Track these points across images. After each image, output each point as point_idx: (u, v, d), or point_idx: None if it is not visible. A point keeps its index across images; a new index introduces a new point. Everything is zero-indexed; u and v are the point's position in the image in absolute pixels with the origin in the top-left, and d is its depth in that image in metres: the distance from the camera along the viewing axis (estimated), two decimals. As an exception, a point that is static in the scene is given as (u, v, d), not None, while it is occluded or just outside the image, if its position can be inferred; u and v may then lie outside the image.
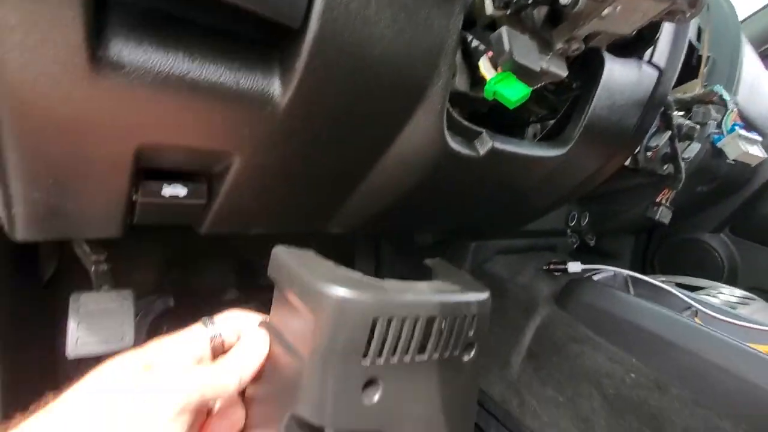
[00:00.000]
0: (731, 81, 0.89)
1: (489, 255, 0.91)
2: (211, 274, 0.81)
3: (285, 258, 0.30)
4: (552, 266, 0.91)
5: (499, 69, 0.37)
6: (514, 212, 0.67)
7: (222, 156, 0.33)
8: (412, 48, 0.31)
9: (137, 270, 0.50)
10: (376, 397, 0.29)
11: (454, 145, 0.40)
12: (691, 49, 0.87)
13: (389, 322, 0.29)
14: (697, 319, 0.81)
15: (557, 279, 0.89)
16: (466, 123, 0.40)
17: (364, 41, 0.29)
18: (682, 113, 0.81)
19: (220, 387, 0.27)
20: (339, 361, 0.28)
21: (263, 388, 0.31)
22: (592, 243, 1.04)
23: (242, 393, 0.31)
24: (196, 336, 0.29)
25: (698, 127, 0.75)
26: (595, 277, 0.91)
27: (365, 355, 0.28)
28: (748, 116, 1.02)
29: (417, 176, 0.41)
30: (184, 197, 0.36)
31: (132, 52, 0.24)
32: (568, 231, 0.97)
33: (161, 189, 0.34)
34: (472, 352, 0.38)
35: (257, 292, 0.90)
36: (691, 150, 0.82)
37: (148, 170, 0.33)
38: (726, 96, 0.67)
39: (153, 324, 0.70)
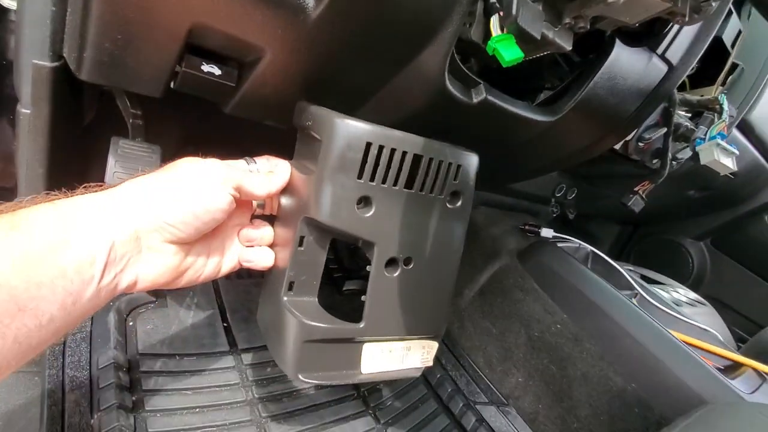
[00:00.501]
0: (751, 96, 0.91)
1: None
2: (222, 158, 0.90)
3: (306, 105, 0.44)
4: (527, 227, 1.00)
5: (504, 30, 0.42)
6: (499, 167, 0.74)
7: (255, 49, 0.39)
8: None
9: (162, 136, 0.58)
10: (370, 213, 0.43)
11: (452, 88, 0.46)
12: (727, 54, 0.88)
13: (380, 149, 0.41)
14: (634, 301, 0.91)
15: (528, 239, 0.98)
16: (466, 71, 0.46)
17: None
18: (689, 115, 0.84)
19: (252, 184, 0.42)
20: (339, 173, 0.41)
21: (286, 204, 0.45)
22: (571, 216, 1.12)
23: (271, 221, 0.48)
24: (239, 164, 0.44)
25: (696, 130, 0.79)
26: (561, 245, 1.00)
27: (360, 176, 0.41)
28: (758, 134, 1.04)
29: (413, 108, 0.48)
30: (218, 76, 0.43)
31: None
32: (552, 200, 1.05)
33: (201, 64, 0.41)
34: (458, 203, 0.51)
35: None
36: (685, 153, 0.87)
37: (195, 47, 0.40)
38: (725, 105, 0.70)
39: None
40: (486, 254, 0.91)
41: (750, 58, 0.89)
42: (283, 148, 0.49)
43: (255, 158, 0.47)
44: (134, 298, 0.68)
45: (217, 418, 0.58)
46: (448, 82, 0.45)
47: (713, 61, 0.83)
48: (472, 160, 0.51)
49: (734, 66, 0.86)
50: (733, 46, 0.85)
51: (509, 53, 0.41)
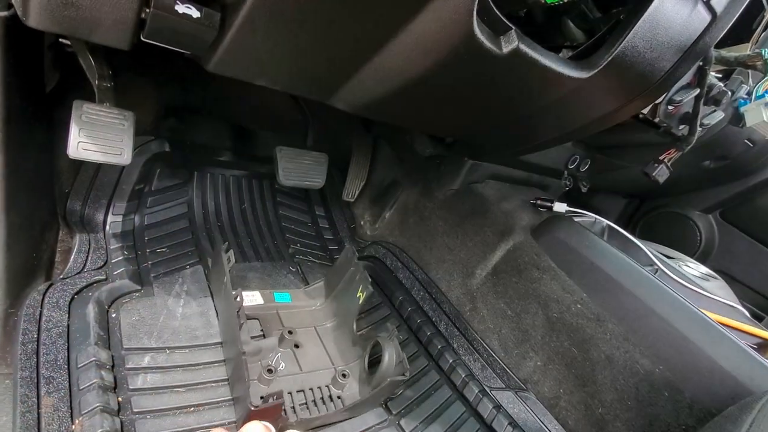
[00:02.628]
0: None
1: (482, 176, 0.92)
2: (207, 131, 0.82)
3: None
4: (539, 201, 0.94)
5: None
6: (517, 133, 0.67)
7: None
8: None
9: (136, 106, 0.50)
10: None
11: (480, 34, 0.38)
12: (760, 7, 0.80)
13: None
14: (657, 276, 0.86)
15: (540, 214, 0.92)
16: (498, 13, 0.38)
17: None
18: (719, 75, 0.77)
19: None
20: None
21: None
22: (585, 189, 1.06)
23: None
24: None
25: (729, 93, 0.72)
26: (576, 219, 0.94)
27: None
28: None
29: (433, 60, 0.40)
30: (197, 20, 0.35)
31: None
32: (566, 172, 0.98)
33: (175, 3, 0.33)
34: None
35: (250, 160, 0.91)
36: (714, 117, 0.80)
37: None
38: (770, 61, 0.63)
39: (146, 164, 0.72)
40: (498, 231, 0.85)
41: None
42: (279, 120, 0.42)
43: None
44: (116, 287, 0.61)
45: (214, 417, 0.53)
46: (476, 27, 0.37)
47: (746, 17, 0.76)
48: None
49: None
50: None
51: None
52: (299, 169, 0.79)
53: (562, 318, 0.73)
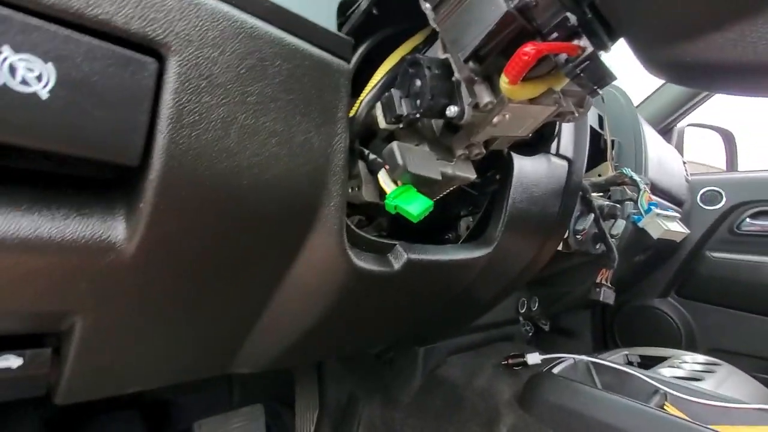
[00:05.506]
0: (639, 160, 0.97)
1: (442, 358, 0.84)
2: (114, 426, 0.67)
3: None
4: (510, 361, 0.85)
5: (399, 182, 0.36)
6: (454, 315, 0.63)
7: (58, 316, 0.26)
8: (292, 173, 0.28)
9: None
10: None
11: (361, 263, 0.36)
12: (598, 135, 0.95)
13: None
14: (668, 404, 0.76)
15: (518, 375, 0.82)
16: (373, 238, 0.37)
17: (228, 173, 0.25)
18: (601, 194, 0.84)
19: None
20: None
21: None
22: (546, 328, 1.00)
23: None
24: None
25: (618, 205, 0.77)
26: (557, 369, 0.85)
27: None
28: (662, 188, 1.10)
29: (325, 303, 0.36)
30: (19, 368, 0.28)
31: None
32: (521, 319, 0.93)
33: (-25, 367, 0.26)
34: None
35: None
36: (618, 227, 0.84)
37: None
38: (635, 177, 0.70)
39: None
40: (483, 419, 0.72)
41: (620, 133, 0.97)
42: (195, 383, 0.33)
43: None
44: None
45: None
46: (354, 258, 0.35)
47: (593, 147, 0.89)
48: None
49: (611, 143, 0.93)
50: (601, 128, 0.93)
51: (416, 206, 0.33)
52: (230, 437, 0.65)
53: None
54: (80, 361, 0.30)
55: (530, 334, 0.96)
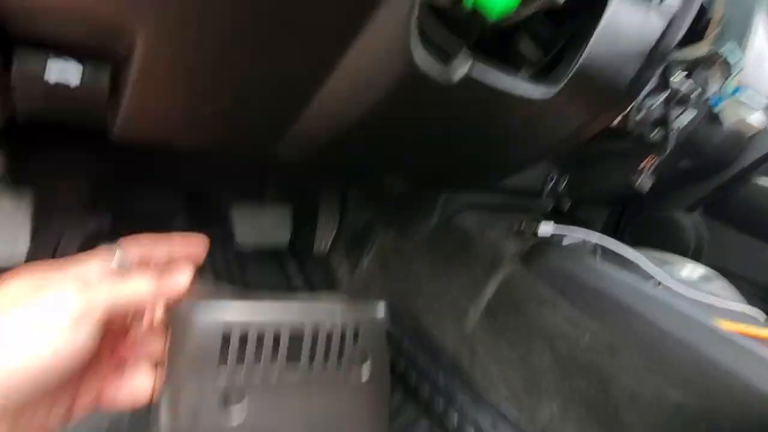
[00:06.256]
0: (741, 46, 0.83)
1: (459, 209, 0.87)
2: (153, 199, 0.74)
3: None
4: (523, 226, 0.88)
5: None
6: (488, 162, 0.62)
7: (119, 31, 0.25)
8: None
9: (60, 182, 0.43)
10: (240, 418, 0.29)
11: (423, 62, 0.33)
12: (701, 11, 0.80)
13: (245, 329, 0.28)
14: (664, 291, 0.80)
15: (526, 240, 0.87)
16: (443, 33, 0.34)
17: None
18: (685, 73, 0.75)
19: (128, 301, 0.26)
20: (190, 370, 0.28)
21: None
22: (566, 208, 1.01)
23: None
24: (97, 269, 0.27)
25: (699, 89, 0.70)
26: (564, 242, 0.88)
27: (222, 363, 0.28)
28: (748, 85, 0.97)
29: (374, 95, 0.35)
30: (78, 87, 0.29)
31: None
32: (545, 192, 0.94)
33: (44, 66, 0.27)
34: (365, 370, 0.35)
35: (207, 223, 0.83)
36: (684, 119, 0.77)
37: (25, 39, 0.26)
38: (732, 57, 0.61)
39: (85, 245, 0.64)
40: (486, 264, 0.78)
41: (732, 8, 0.81)
42: (233, 178, 0.35)
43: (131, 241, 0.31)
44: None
45: None
46: (416, 56, 0.32)
47: (696, 18, 0.75)
48: (376, 318, 0.38)
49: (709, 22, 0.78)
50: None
51: (499, 1, 0.29)
52: (259, 227, 0.72)
53: (572, 354, 0.65)
54: (137, 93, 0.31)
55: (549, 209, 0.97)
